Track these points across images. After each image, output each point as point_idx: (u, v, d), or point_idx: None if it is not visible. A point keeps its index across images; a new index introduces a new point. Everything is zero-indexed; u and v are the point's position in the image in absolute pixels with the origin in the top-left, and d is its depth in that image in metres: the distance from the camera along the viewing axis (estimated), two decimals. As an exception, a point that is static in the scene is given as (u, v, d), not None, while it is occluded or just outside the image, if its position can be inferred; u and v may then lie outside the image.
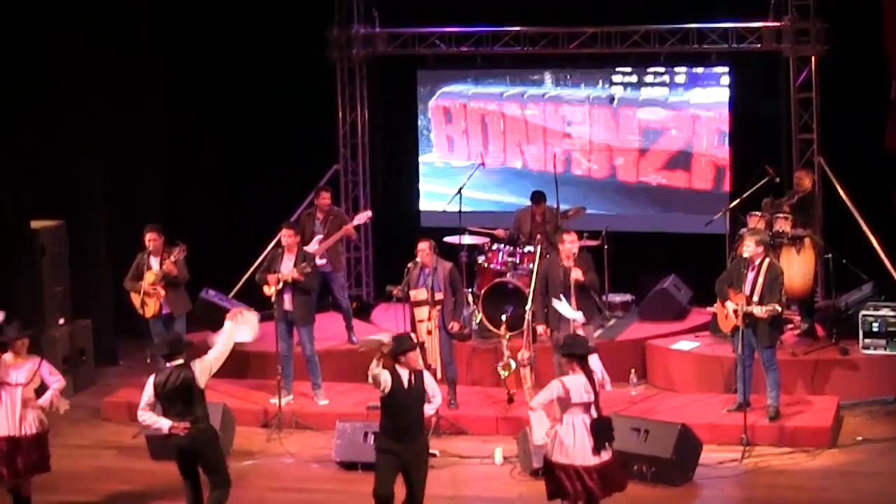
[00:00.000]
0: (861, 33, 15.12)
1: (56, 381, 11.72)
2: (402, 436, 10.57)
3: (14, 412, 11.40)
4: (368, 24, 17.46)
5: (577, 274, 13.14)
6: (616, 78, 16.85)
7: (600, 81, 16.70)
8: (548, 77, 16.91)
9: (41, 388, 11.66)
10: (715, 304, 13.64)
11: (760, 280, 12.93)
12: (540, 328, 13.58)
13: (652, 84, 16.72)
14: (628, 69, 16.74)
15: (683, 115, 16.53)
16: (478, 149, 17.28)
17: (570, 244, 13.33)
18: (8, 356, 11.50)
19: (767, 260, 13.09)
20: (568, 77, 16.86)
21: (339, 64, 17.57)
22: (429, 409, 10.80)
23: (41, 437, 11.58)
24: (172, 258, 14.07)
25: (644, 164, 16.75)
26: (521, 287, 14.78)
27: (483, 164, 16.76)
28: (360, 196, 17.74)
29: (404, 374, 10.57)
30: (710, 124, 16.48)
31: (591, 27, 16.48)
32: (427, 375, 10.83)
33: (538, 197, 15.84)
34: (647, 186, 16.73)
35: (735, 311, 12.88)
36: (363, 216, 15.82)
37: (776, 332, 13.20)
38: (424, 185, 17.71)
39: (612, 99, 16.60)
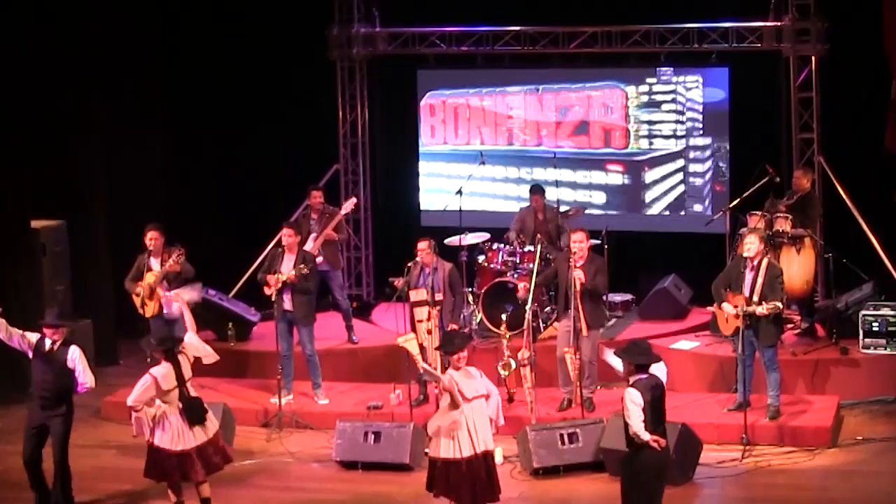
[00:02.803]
0: (861, 33, 15.13)
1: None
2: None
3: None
4: (368, 23, 17.47)
5: (578, 274, 13.15)
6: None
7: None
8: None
9: None
10: (713, 305, 13.66)
11: (760, 280, 12.93)
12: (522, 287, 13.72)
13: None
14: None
15: (582, 96, 17.33)
16: (452, 133, 17.73)
17: (574, 244, 13.35)
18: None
19: (766, 260, 13.09)
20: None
21: (340, 63, 17.57)
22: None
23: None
24: (172, 260, 14.07)
25: (560, 132, 17.51)
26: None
27: (483, 162, 16.79)
28: (360, 195, 17.72)
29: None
30: (599, 100, 17.23)
31: (591, 27, 16.49)
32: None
33: (536, 189, 15.88)
34: (562, 150, 17.53)
35: (735, 312, 12.90)
36: (349, 204, 15.73)
37: (777, 330, 13.22)
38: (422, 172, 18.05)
39: (537, 89, 17.53)
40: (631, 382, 10.15)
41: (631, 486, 10.21)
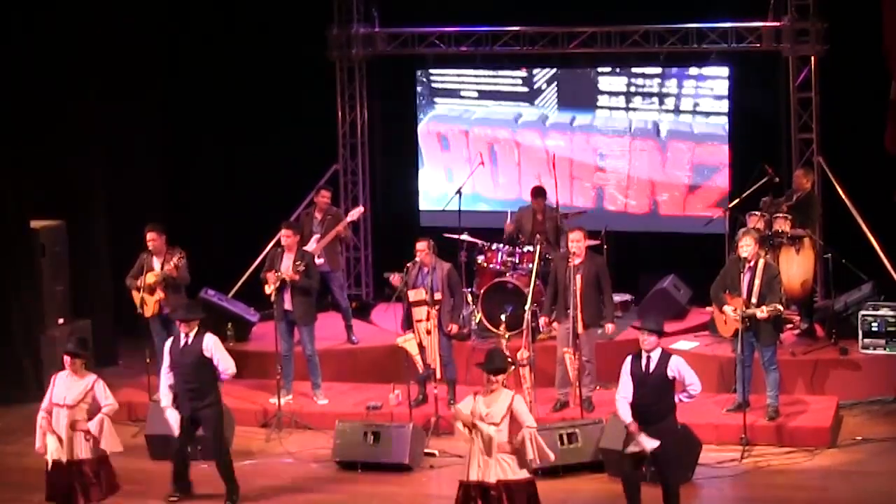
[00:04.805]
0: (861, 33, 15.11)
1: (106, 404, 11.29)
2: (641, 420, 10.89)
3: (60, 435, 11.12)
4: (368, 23, 17.46)
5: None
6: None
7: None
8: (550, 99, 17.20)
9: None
10: (712, 307, 13.66)
11: (757, 282, 12.93)
12: (542, 320, 13.61)
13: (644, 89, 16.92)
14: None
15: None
16: (478, 151, 17.24)
17: (572, 243, 13.35)
18: (66, 374, 11.21)
19: (762, 261, 13.09)
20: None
21: (339, 64, 17.57)
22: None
23: (96, 462, 11.19)
24: (172, 263, 14.07)
25: (692, 200, 16.89)
26: (521, 287, 14.78)
27: (482, 163, 16.78)
28: (359, 196, 17.74)
29: (654, 357, 10.92)
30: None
31: (590, 27, 16.48)
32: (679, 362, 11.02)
33: (539, 192, 15.81)
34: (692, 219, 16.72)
35: (735, 314, 12.89)
36: (356, 212, 15.80)
37: (776, 331, 13.22)
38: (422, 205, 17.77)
39: (657, 131, 16.83)
40: (665, 350, 11.06)
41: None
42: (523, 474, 10.33)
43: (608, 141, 16.99)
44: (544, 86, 17.12)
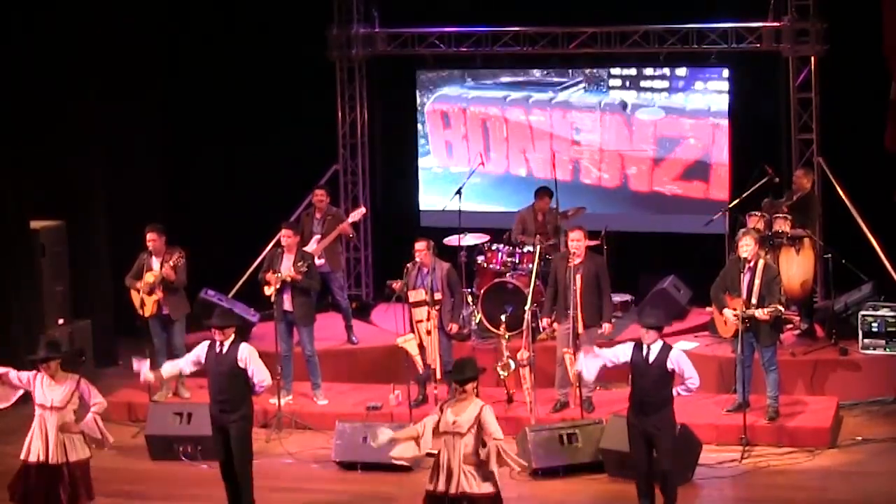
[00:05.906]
0: (861, 33, 15.12)
1: (95, 403, 11.11)
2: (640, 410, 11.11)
3: (47, 437, 10.98)
4: (368, 23, 17.46)
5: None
6: (614, 82, 17.01)
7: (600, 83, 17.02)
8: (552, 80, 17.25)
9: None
10: (712, 308, 13.66)
11: (757, 282, 12.93)
12: (544, 321, 13.61)
13: (651, 88, 16.91)
14: (630, 71, 16.92)
15: (703, 125, 16.69)
16: (478, 152, 17.25)
17: (572, 243, 13.35)
18: (43, 377, 11.00)
19: (762, 262, 13.09)
20: (570, 76, 17.13)
21: (339, 64, 17.57)
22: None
23: (81, 465, 11.10)
24: (171, 263, 14.07)
25: (658, 173, 16.95)
26: (521, 287, 14.79)
27: (483, 163, 16.77)
28: (359, 196, 17.73)
29: (655, 348, 11.11)
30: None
31: (590, 27, 16.48)
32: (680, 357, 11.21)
33: (544, 192, 15.77)
34: (660, 196, 16.97)
35: (735, 316, 12.89)
36: (358, 213, 15.81)
37: (776, 331, 13.23)
38: (424, 194, 17.74)
39: (624, 106, 16.88)
40: (666, 344, 11.23)
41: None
42: (487, 488, 10.13)
43: (581, 115, 17.05)
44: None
